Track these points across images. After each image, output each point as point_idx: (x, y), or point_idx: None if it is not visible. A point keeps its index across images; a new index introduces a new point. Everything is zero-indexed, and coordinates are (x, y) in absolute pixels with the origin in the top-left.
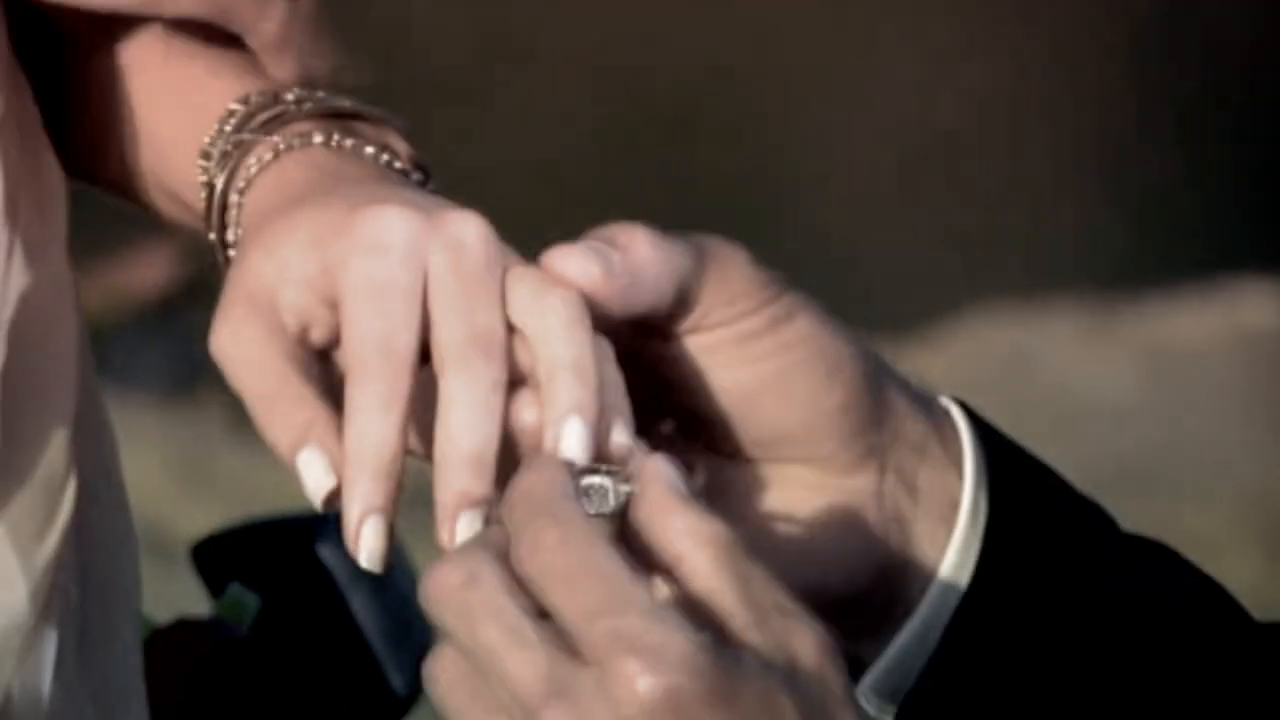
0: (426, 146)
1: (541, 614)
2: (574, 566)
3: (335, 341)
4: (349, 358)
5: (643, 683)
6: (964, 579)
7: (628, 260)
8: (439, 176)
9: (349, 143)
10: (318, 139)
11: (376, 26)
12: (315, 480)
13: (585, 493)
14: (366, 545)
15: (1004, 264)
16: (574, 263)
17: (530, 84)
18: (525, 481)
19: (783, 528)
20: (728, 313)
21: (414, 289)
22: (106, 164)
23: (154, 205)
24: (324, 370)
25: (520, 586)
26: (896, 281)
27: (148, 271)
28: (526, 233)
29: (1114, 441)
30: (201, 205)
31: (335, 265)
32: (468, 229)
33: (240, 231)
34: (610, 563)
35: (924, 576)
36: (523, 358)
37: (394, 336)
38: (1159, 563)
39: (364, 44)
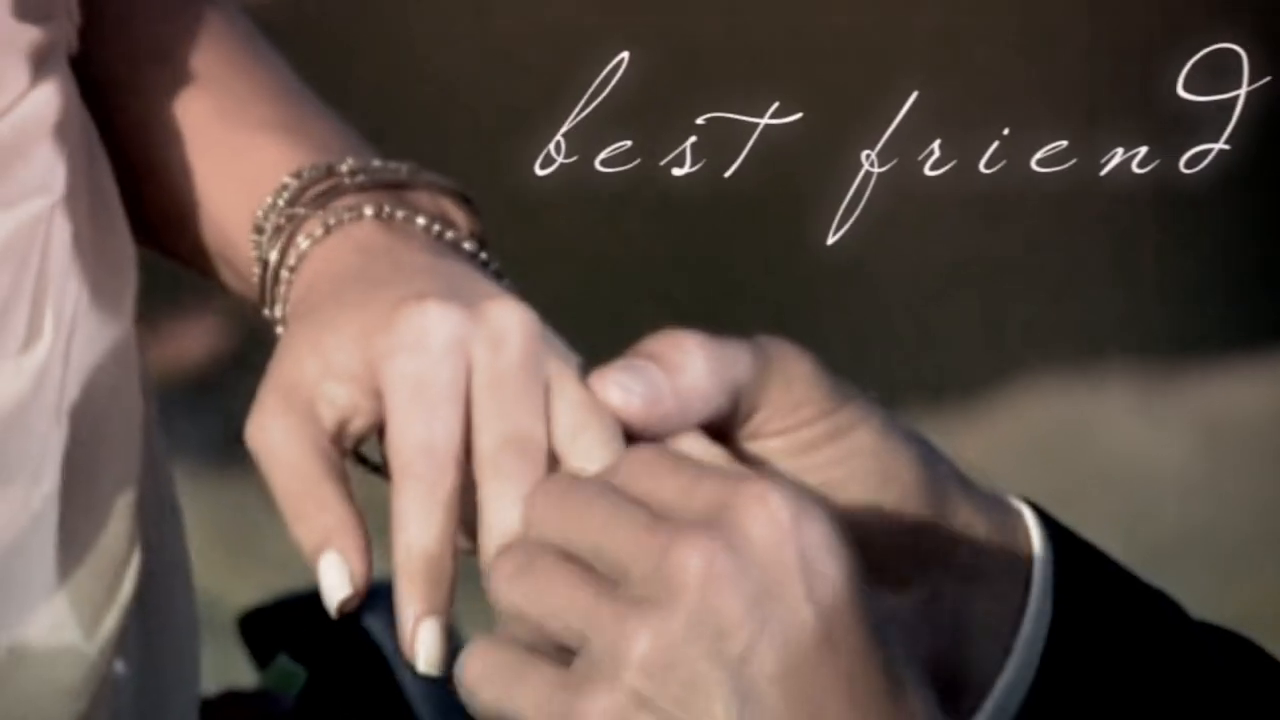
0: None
1: None
2: (672, 463)
3: (378, 430)
4: (393, 460)
5: (775, 501)
6: (1026, 682)
7: (676, 382)
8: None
9: (401, 215)
10: (368, 212)
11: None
12: (331, 588)
13: None
14: (424, 649)
15: (1057, 336)
16: (616, 392)
17: None
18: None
19: None
20: (788, 421)
21: (456, 387)
22: (177, 237)
23: (223, 279)
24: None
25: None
26: (953, 353)
27: (193, 341)
28: (582, 312)
29: (1167, 512)
30: (255, 279)
31: (378, 363)
32: (510, 322)
33: (287, 309)
34: (706, 463)
35: (986, 680)
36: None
37: (435, 439)
38: (1234, 653)
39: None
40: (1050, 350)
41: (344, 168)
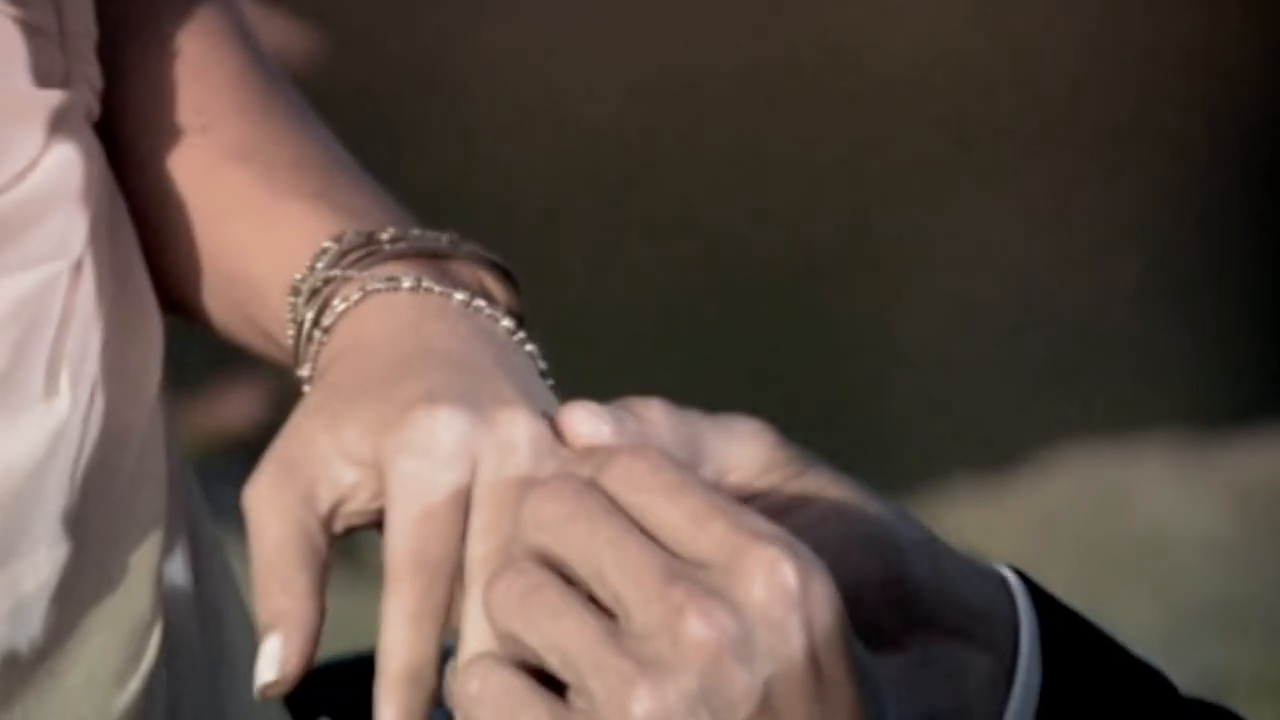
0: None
1: None
2: (675, 481)
3: (373, 514)
4: (388, 562)
5: (785, 569)
6: None
7: (641, 424)
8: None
9: (437, 289)
10: (406, 284)
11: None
12: (260, 668)
13: None
14: None
15: (1094, 402)
16: (586, 422)
17: (623, 228)
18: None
19: None
20: (758, 485)
21: (457, 494)
22: (206, 300)
23: (244, 340)
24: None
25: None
26: (989, 419)
27: (238, 408)
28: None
29: (1205, 580)
30: (289, 341)
31: (385, 461)
32: (518, 433)
33: (313, 370)
34: (709, 485)
35: None
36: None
37: (429, 548)
38: None
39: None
40: (1085, 418)
41: (384, 235)
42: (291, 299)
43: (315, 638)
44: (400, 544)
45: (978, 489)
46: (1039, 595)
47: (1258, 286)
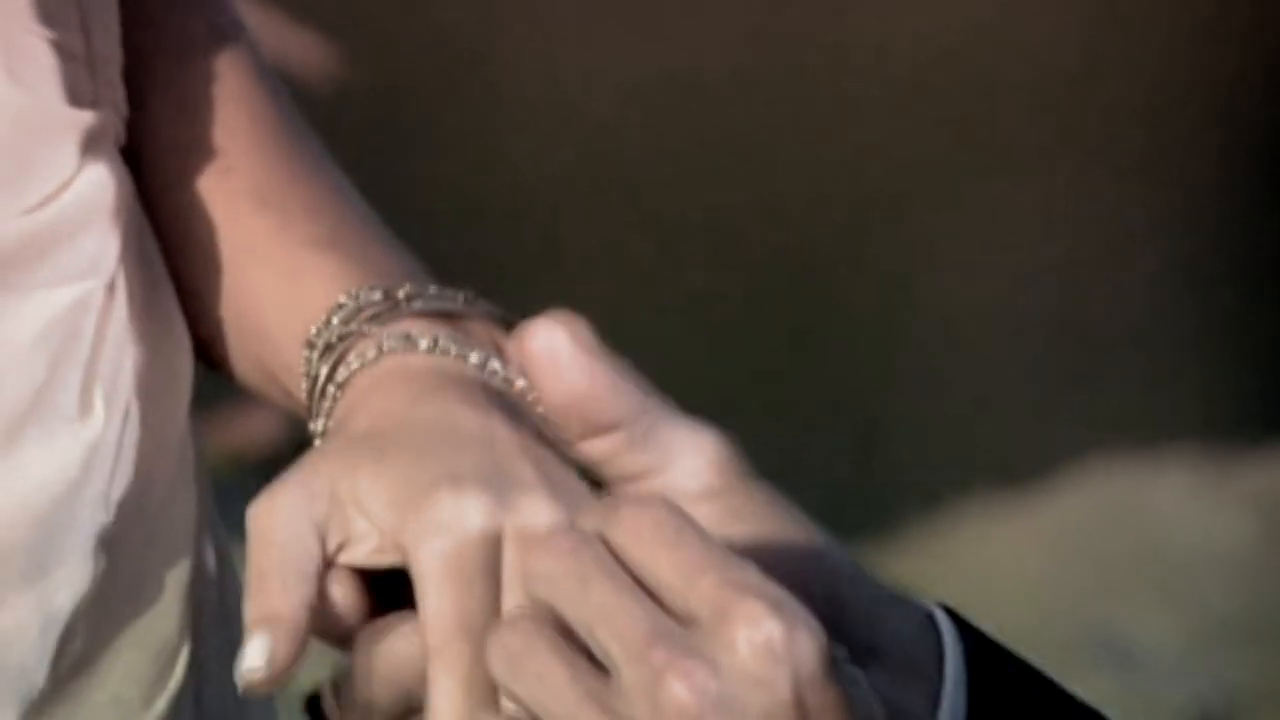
0: None
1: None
2: (674, 535)
3: (366, 556)
4: (427, 637)
5: (769, 625)
6: None
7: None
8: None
9: (453, 350)
10: (422, 344)
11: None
12: (249, 659)
13: None
14: None
15: (1118, 416)
16: (539, 338)
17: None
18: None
19: None
20: (686, 484)
21: (489, 568)
22: (215, 345)
23: (257, 387)
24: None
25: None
26: (1011, 433)
27: (256, 428)
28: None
29: (1223, 593)
30: (303, 394)
31: (412, 539)
32: (540, 520)
33: (329, 423)
34: (708, 538)
35: None
36: None
37: (471, 616)
38: None
39: None
40: (1109, 433)
41: (401, 293)
42: (306, 353)
43: (303, 647)
44: (443, 614)
45: (999, 503)
46: (967, 630)
47: (1278, 296)
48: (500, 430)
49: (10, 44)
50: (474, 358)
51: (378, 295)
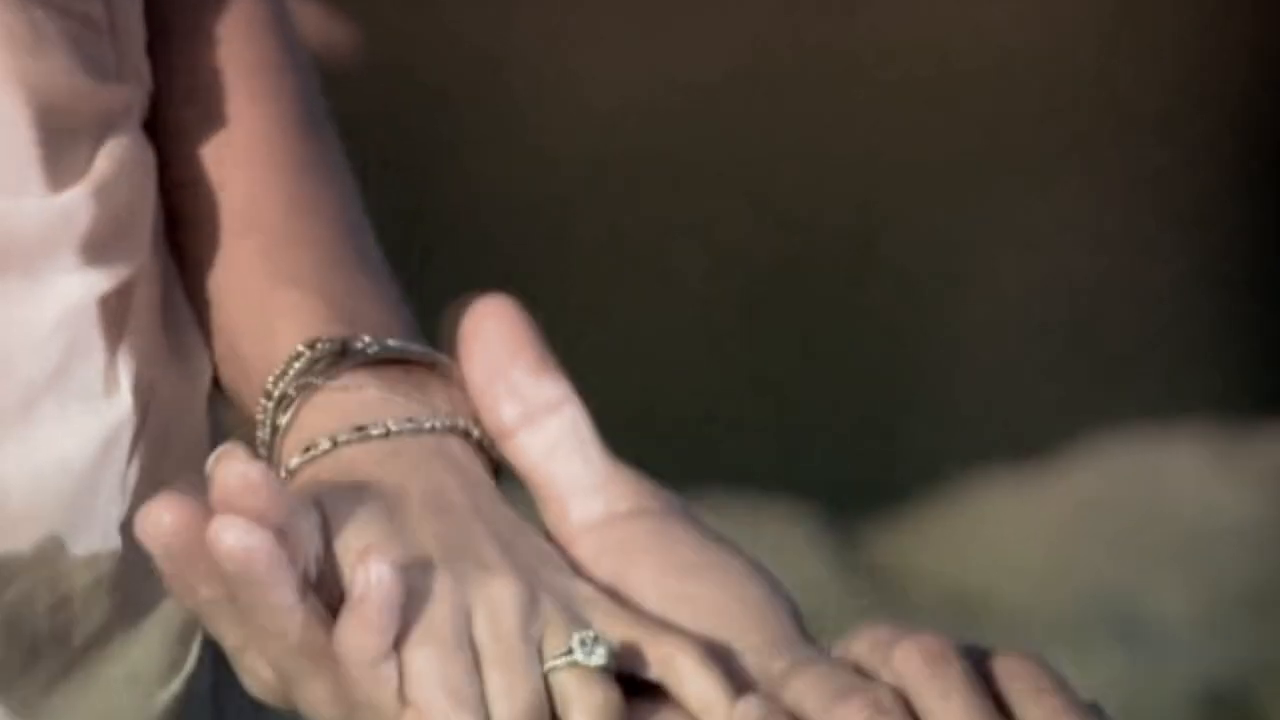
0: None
1: None
2: (1051, 684)
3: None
4: (422, 701)
5: None
6: None
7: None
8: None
9: (408, 429)
10: (375, 433)
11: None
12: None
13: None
14: None
15: (1128, 390)
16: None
17: (694, 221)
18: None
19: None
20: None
21: (464, 637)
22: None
23: (230, 395)
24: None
25: None
26: (1026, 406)
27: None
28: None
29: (1240, 567)
30: (263, 439)
31: None
32: (504, 598)
33: (285, 476)
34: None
35: None
36: None
37: (458, 681)
38: None
39: None
40: (1119, 406)
41: (359, 344)
42: (264, 401)
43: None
44: (428, 678)
45: (1011, 477)
46: None
47: None
48: (457, 496)
49: (30, 16)
50: (429, 424)
51: (335, 346)
